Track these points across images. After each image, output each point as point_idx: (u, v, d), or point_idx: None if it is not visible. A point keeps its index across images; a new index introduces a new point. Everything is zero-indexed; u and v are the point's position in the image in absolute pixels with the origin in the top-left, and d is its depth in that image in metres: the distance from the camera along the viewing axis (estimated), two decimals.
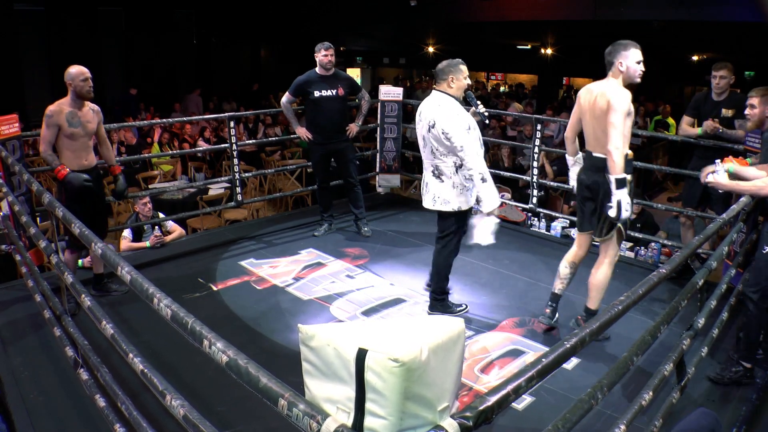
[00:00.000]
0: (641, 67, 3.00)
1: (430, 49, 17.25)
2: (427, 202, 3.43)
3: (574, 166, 3.44)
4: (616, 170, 2.90)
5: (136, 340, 2.93)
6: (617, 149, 2.89)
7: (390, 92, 5.89)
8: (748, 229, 3.32)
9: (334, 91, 4.67)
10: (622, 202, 2.92)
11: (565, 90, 16.72)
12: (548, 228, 5.23)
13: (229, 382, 1.38)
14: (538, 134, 5.11)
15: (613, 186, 2.93)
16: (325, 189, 4.97)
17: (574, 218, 5.20)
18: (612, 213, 2.97)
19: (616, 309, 1.68)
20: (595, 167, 3.12)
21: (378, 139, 5.98)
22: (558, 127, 9.06)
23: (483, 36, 15.31)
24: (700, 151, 4.21)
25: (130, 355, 1.89)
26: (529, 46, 16.66)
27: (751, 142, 3.87)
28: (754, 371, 2.92)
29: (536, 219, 5.33)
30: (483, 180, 3.19)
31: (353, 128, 4.88)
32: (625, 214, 2.95)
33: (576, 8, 11.18)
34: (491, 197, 3.21)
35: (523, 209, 5.43)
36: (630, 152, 3.00)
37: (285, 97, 4.77)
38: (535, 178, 5.17)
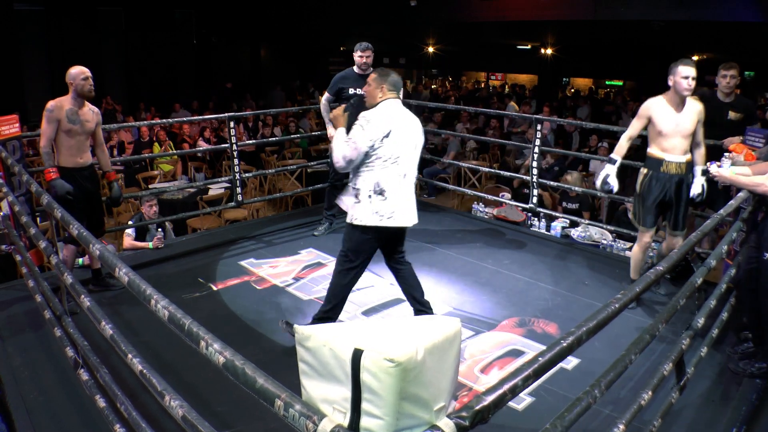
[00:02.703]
0: (688, 82, 3.35)
1: (430, 49, 17.24)
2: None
3: None
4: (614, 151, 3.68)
5: (136, 341, 2.93)
6: (621, 139, 3.66)
7: None
8: (748, 228, 3.32)
9: None
10: (602, 172, 3.64)
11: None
12: (548, 228, 5.23)
13: (229, 383, 1.38)
14: (539, 134, 5.11)
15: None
16: (337, 188, 4.94)
17: (573, 218, 5.23)
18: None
19: (613, 307, 1.68)
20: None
21: None
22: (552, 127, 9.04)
23: (483, 36, 15.31)
24: None
25: (129, 356, 1.89)
26: (529, 46, 16.65)
27: (752, 140, 3.87)
28: None
29: (536, 219, 5.32)
30: None
31: None
32: (597, 182, 3.69)
33: (576, 8, 11.18)
34: None
35: (523, 209, 5.43)
36: (653, 153, 3.58)
37: (324, 97, 4.71)
38: (534, 178, 5.17)
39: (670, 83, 3.42)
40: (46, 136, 3.48)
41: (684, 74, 3.34)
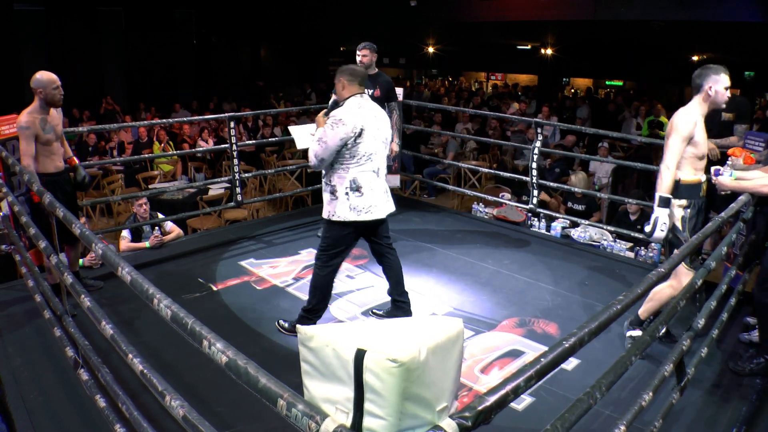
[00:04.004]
0: (728, 93, 2.96)
1: (430, 49, 17.24)
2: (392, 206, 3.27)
3: None
4: (662, 189, 2.92)
5: (136, 341, 2.93)
6: (667, 169, 2.91)
7: None
8: (748, 230, 3.32)
9: (370, 91, 4.65)
10: (659, 219, 2.90)
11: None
12: (548, 228, 5.24)
13: (229, 383, 1.39)
14: (539, 136, 5.12)
15: (655, 203, 2.93)
16: None
17: (574, 219, 5.24)
18: (647, 229, 2.96)
19: (615, 308, 1.68)
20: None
21: None
22: (553, 128, 9.06)
23: (483, 36, 15.30)
24: None
25: (130, 356, 1.89)
26: (529, 46, 16.65)
27: (751, 144, 3.87)
28: None
29: (536, 219, 5.33)
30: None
31: (394, 149, 4.76)
32: (659, 233, 2.91)
33: (576, 8, 11.19)
34: None
35: (523, 209, 5.44)
36: (690, 179, 2.96)
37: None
38: (534, 179, 5.17)
39: (711, 92, 2.91)
40: (29, 156, 3.30)
41: (727, 84, 2.92)
